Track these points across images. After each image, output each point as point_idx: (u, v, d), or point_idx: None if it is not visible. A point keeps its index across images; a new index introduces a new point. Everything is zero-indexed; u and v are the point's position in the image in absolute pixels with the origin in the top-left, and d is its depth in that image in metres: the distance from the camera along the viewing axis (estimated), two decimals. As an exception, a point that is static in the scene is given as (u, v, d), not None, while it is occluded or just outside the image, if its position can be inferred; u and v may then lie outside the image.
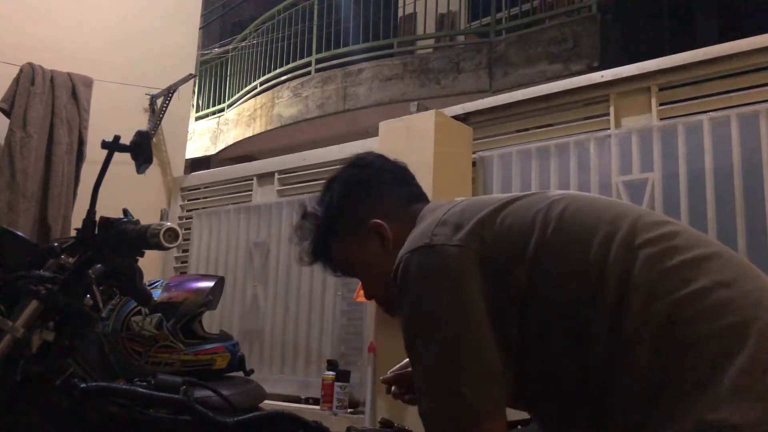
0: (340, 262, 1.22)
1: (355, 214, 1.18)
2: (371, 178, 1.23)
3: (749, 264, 0.93)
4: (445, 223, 0.99)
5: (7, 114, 3.72)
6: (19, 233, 1.44)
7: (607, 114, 2.77)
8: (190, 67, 4.67)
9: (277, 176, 3.86)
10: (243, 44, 7.81)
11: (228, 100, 7.89)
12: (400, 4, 7.05)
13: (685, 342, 0.82)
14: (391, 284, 1.01)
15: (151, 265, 4.07)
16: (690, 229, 0.97)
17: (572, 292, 0.90)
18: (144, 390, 1.27)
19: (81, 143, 3.89)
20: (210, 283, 1.79)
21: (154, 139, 4.35)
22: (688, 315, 0.83)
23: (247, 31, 7.85)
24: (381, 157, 1.28)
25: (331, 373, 3.00)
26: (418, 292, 0.96)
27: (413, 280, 0.97)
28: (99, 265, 1.27)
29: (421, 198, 1.22)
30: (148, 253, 1.27)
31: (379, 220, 1.15)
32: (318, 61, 6.73)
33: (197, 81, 7.50)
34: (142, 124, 4.36)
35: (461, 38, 6.29)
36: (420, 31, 6.76)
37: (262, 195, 3.93)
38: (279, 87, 6.96)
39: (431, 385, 0.93)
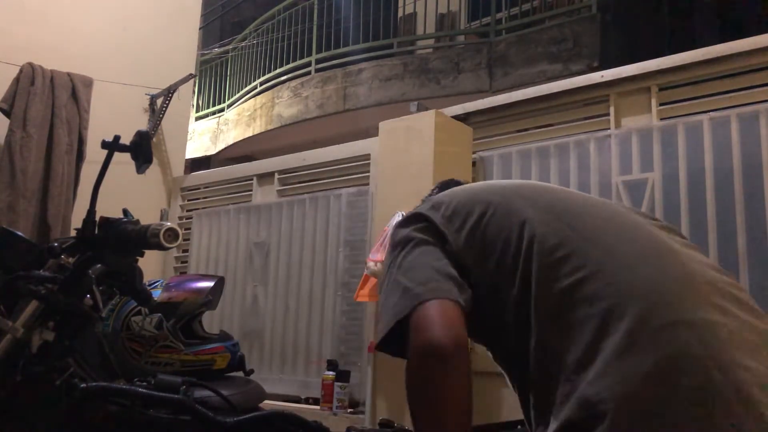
0: None
1: None
2: None
3: (665, 246, 0.97)
4: (425, 201, 1.19)
5: (7, 114, 3.72)
6: (19, 233, 1.44)
7: (607, 114, 2.77)
8: (190, 67, 4.67)
9: (277, 176, 3.86)
10: (243, 44, 7.81)
11: (228, 100, 7.89)
12: (400, 4, 7.05)
13: (573, 324, 0.88)
14: None
15: (151, 265, 4.07)
16: (608, 209, 1.04)
17: (491, 275, 1.00)
18: (144, 390, 1.27)
19: (81, 143, 3.90)
20: (210, 283, 1.79)
21: (154, 139, 4.35)
22: (576, 299, 0.89)
23: (247, 31, 7.84)
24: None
25: (331, 373, 3.00)
26: (390, 240, 1.12)
27: (389, 236, 1.18)
28: (99, 265, 1.27)
29: None
30: (148, 253, 1.27)
31: None
32: (318, 61, 6.73)
33: (197, 81, 7.50)
34: (142, 124, 4.36)
35: (461, 38, 6.28)
36: (420, 31, 6.76)
37: (262, 195, 3.93)
38: (279, 87, 6.96)
39: (388, 297, 1.02)
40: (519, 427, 1.30)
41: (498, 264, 0.99)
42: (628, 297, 0.86)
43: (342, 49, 6.64)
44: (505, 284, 0.98)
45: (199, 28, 5.70)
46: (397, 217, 2.67)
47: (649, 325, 0.83)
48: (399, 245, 1.07)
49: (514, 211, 1.03)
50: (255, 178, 3.98)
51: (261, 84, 7.27)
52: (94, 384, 1.23)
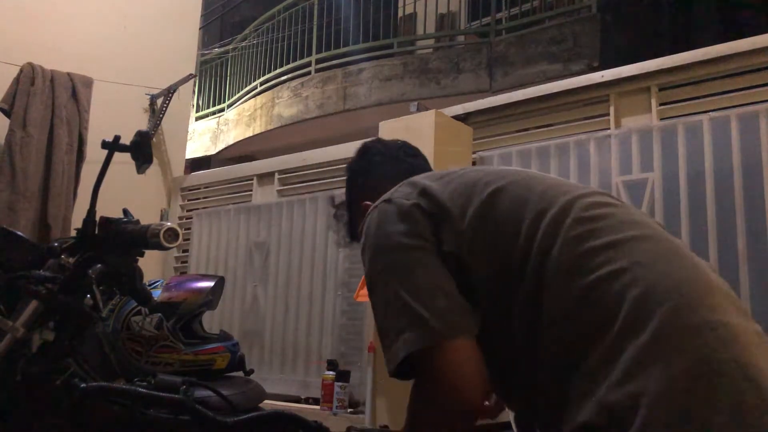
0: None
1: (356, 198, 1.32)
2: (364, 165, 1.38)
3: (682, 248, 0.94)
4: (405, 184, 1.10)
5: (7, 114, 3.72)
6: (19, 233, 1.44)
7: (607, 114, 2.77)
8: (190, 67, 4.67)
9: (277, 176, 3.86)
10: (243, 44, 7.81)
11: (228, 100, 7.89)
12: (400, 4, 7.04)
13: (595, 322, 0.85)
14: None
15: (151, 265, 4.07)
16: (629, 211, 0.99)
17: (497, 268, 0.95)
18: (144, 390, 1.27)
19: (81, 143, 3.90)
20: (210, 283, 1.79)
21: (154, 139, 4.34)
22: (599, 295, 0.86)
23: (247, 31, 7.84)
24: (376, 142, 1.45)
25: (331, 373, 3.00)
26: (376, 236, 1.04)
27: (372, 228, 1.05)
28: (99, 265, 1.27)
29: (414, 172, 1.22)
30: (148, 253, 1.27)
31: (367, 202, 1.21)
32: (318, 61, 6.73)
33: (197, 81, 7.50)
34: (142, 124, 4.36)
35: (461, 38, 6.28)
36: (420, 31, 6.75)
37: (262, 195, 3.93)
38: (279, 87, 6.95)
39: (392, 317, 0.96)
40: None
41: (506, 255, 0.94)
42: (655, 295, 0.83)
43: (342, 49, 6.63)
44: (515, 276, 0.92)
45: (199, 28, 5.70)
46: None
47: (675, 326, 0.81)
48: (395, 249, 1.00)
49: (522, 198, 0.98)
50: (255, 178, 3.98)
51: (261, 84, 7.26)
52: (94, 384, 1.24)
